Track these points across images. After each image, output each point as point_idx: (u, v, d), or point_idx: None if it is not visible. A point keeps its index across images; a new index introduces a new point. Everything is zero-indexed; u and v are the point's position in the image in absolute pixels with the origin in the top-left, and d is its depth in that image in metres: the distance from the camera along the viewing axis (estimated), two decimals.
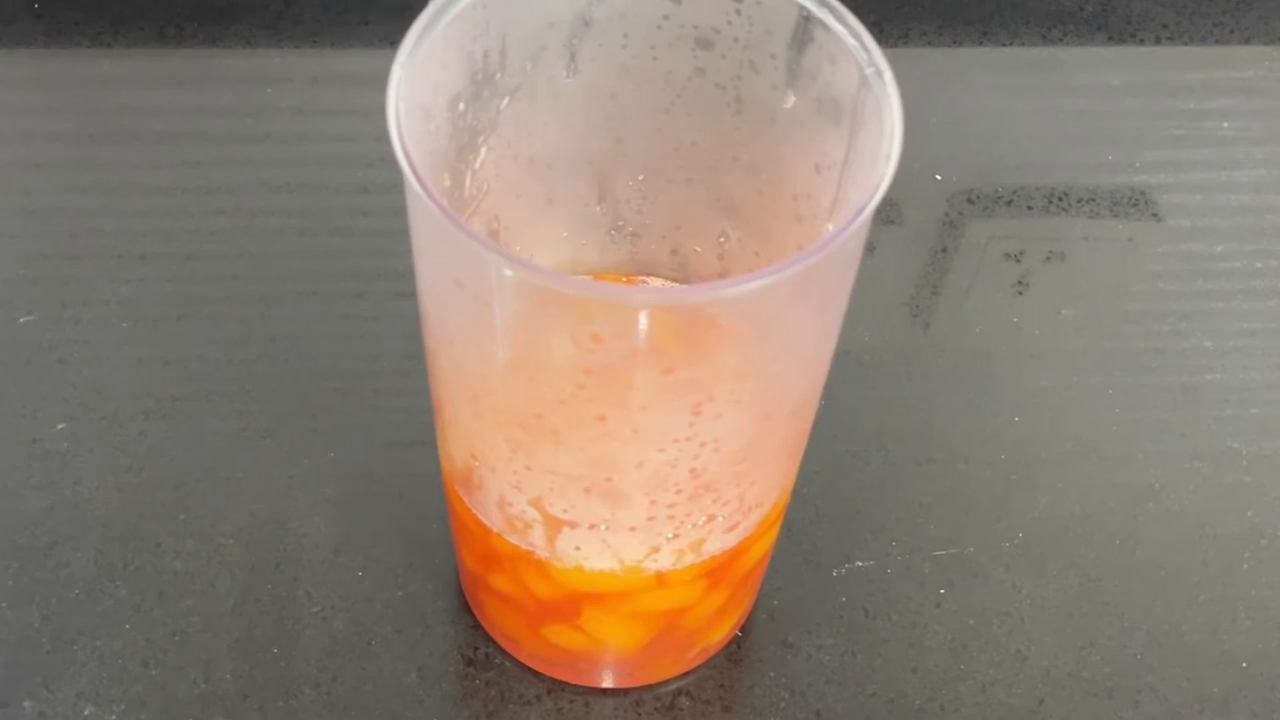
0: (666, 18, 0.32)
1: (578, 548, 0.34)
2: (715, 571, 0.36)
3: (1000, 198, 0.54)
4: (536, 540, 0.34)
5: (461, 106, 0.31)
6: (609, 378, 0.31)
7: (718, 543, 0.35)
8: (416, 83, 0.28)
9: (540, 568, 0.35)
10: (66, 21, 0.57)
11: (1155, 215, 0.54)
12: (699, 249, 0.38)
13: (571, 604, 0.37)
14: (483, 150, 0.33)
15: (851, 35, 0.29)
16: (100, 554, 0.43)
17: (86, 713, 0.40)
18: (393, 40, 0.28)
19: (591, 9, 0.32)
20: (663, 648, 0.40)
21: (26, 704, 0.40)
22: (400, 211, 0.29)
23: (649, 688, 0.42)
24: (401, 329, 0.47)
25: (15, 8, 0.57)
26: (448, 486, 0.38)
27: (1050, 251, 0.53)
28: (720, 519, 0.34)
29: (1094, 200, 0.55)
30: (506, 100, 0.32)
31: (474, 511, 0.36)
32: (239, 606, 0.42)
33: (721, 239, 0.37)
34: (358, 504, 0.45)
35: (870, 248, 0.52)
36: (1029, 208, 0.54)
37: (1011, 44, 0.60)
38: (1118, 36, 0.60)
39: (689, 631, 0.40)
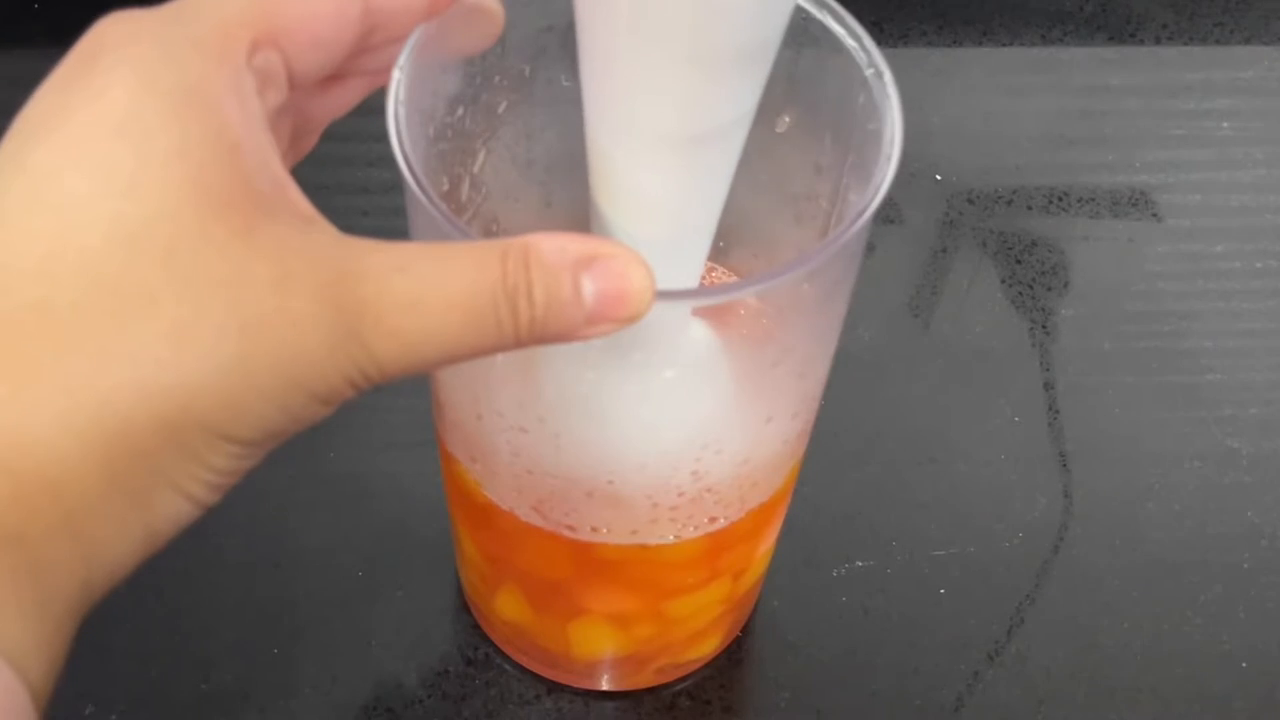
0: None
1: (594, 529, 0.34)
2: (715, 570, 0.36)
3: (1000, 198, 0.54)
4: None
5: (460, 109, 0.31)
6: (609, 380, 0.31)
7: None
8: (416, 86, 0.28)
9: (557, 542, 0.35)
10: (67, 21, 0.57)
11: (1155, 215, 0.54)
12: None
13: (569, 600, 0.37)
14: (481, 153, 0.33)
15: (851, 36, 0.29)
16: None
17: (87, 712, 0.40)
18: None
19: None
20: (661, 648, 0.40)
21: None
22: (400, 211, 0.29)
23: (649, 688, 0.42)
24: None
25: (15, 8, 0.57)
26: (448, 484, 0.38)
27: (1050, 251, 0.53)
28: (721, 520, 0.34)
29: (1094, 200, 0.55)
30: (505, 103, 0.32)
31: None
32: (239, 606, 0.42)
33: (720, 241, 0.37)
34: (358, 504, 0.45)
35: (870, 248, 0.52)
36: (1029, 208, 0.54)
37: (1011, 44, 0.60)
38: (1118, 36, 0.60)
39: (687, 631, 0.40)
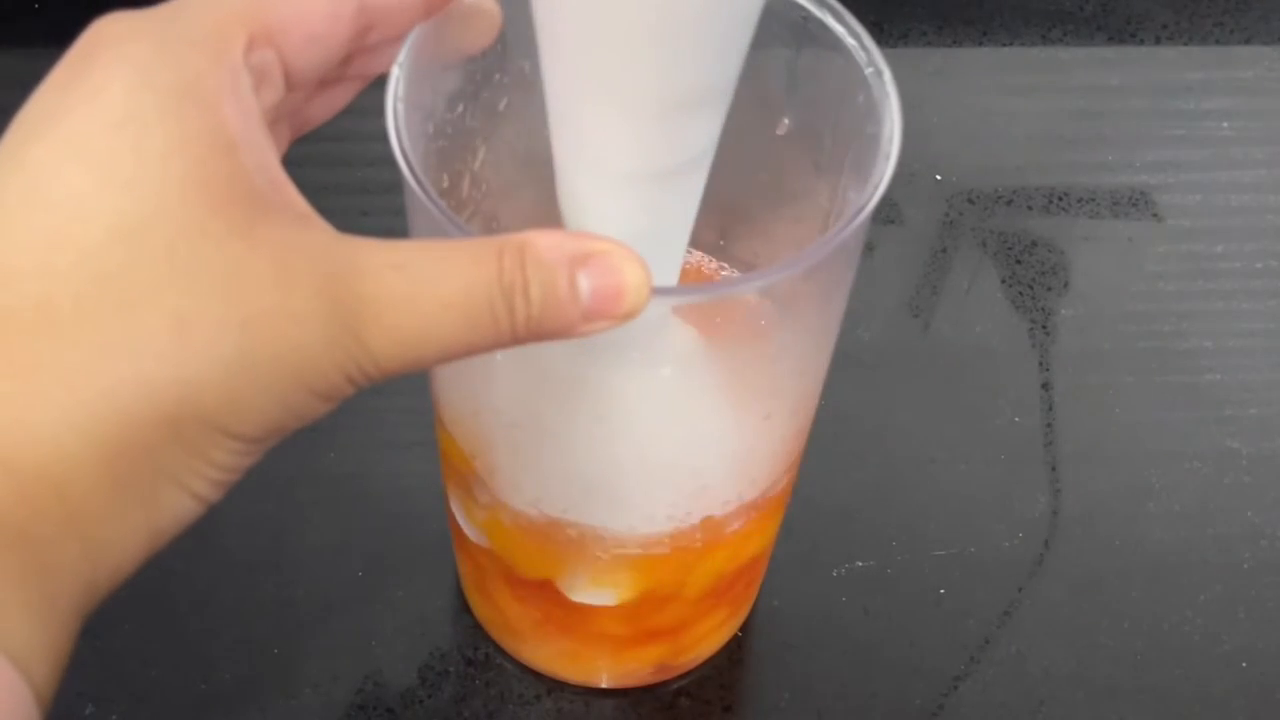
0: None
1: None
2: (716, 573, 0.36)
3: (1000, 198, 0.54)
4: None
5: (461, 107, 0.31)
6: (607, 378, 0.31)
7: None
8: (415, 83, 0.28)
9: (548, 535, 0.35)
10: (67, 21, 0.57)
11: (1155, 215, 0.54)
12: (698, 249, 0.38)
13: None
14: (481, 150, 0.33)
15: (851, 35, 0.29)
16: None
17: (87, 712, 0.40)
18: None
19: None
20: (660, 645, 0.40)
21: None
22: (400, 211, 0.29)
23: (649, 688, 0.42)
24: None
25: (15, 8, 0.57)
26: (447, 481, 0.38)
27: (1050, 251, 0.53)
28: (719, 517, 0.34)
29: (1094, 200, 0.55)
30: (505, 100, 0.32)
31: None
32: (239, 606, 0.42)
33: (720, 240, 0.37)
34: (358, 504, 0.45)
35: (870, 248, 0.52)
36: (1029, 208, 0.54)
37: (1011, 44, 0.60)
38: (1118, 36, 0.60)
39: (686, 629, 0.40)
